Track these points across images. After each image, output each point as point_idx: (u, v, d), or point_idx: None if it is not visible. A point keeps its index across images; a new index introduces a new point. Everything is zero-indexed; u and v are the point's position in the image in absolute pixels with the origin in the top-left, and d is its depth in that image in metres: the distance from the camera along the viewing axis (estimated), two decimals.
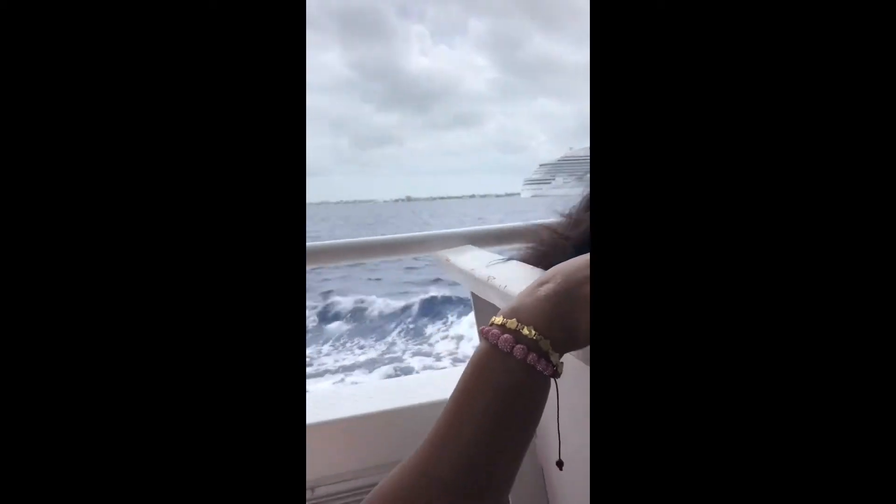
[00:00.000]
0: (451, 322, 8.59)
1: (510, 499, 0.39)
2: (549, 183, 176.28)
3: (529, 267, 0.60)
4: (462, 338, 7.73)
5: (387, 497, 0.37)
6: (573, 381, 0.43)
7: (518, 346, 0.37)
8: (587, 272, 0.39)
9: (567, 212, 0.60)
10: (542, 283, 0.40)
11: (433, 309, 9.15)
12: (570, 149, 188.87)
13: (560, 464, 0.43)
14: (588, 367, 0.37)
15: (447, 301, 9.22)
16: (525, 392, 0.38)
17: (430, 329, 8.55)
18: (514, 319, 0.38)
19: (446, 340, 8.02)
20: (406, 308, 9.26)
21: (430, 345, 8.02)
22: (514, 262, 0.64)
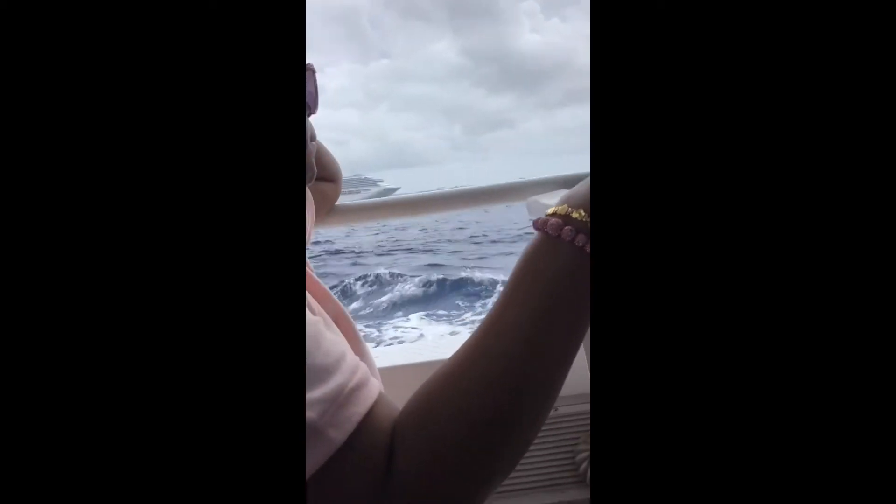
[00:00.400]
0: None
1: None
2: None
3: None
4: None
5: (450, 375, 0.38)
6: None
7: (566, 227, 0.37)
8: None
9: None
10: None
11: None
12: None
13: None
14: None
15: None
16: (575, 273, 0.37)
17: None
18: (566, 206, 0.39)
19: None
20: None
21: None
22: None
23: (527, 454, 0.38)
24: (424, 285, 11.18)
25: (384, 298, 10.91)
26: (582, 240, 0.37)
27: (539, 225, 0.39)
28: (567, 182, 0.89)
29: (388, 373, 0.93)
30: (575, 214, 0.38)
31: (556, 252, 0.38)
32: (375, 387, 0.40)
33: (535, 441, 0.39)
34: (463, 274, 11.88)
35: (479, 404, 0.36)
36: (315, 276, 0.56)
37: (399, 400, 0.41)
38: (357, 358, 0.41)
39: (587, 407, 0.98)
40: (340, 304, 0.57)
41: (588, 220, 0.37)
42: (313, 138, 0.53)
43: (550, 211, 0.39)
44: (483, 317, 0.40)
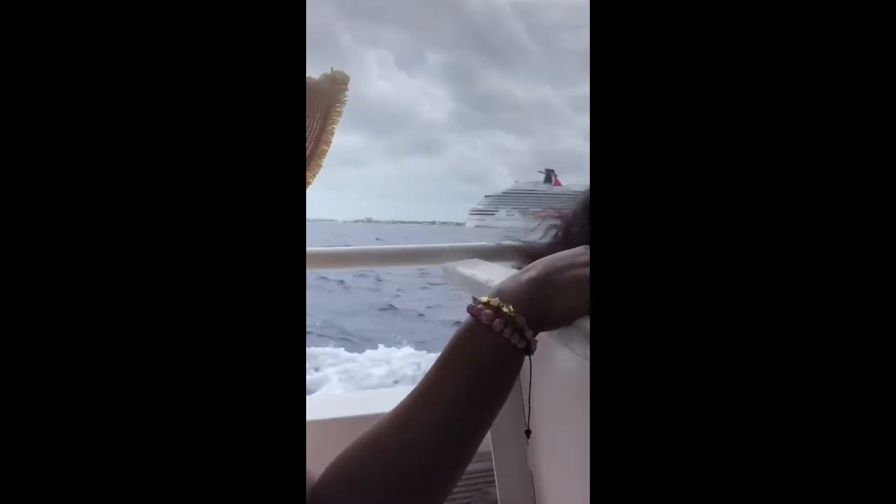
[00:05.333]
0: None
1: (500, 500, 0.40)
2: (492, 214, 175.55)
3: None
4: None
5: (375, 441, 0.41)
6: (543, 357, 0.46)
7: (497, 319, 0.42)
8: (567, 261, 0.45)
9: (555, 238, 0.65)
10: (526, 270, 0.46)
11: None
12: (516, 182, 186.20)
13: (528, 432, 0.49)
14: (562, 347, 0.44)
15: None
16: (500, 363, 0.42)
17: None
18: (497, 298, 0.43)
19: None
20: None
21: None
22: (514, 270, 0.66)
23: None
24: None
25: None
26: (509, 332, 0.41)
27: (474, 312, 0.43)
28: (481, 252, 0.93)
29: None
30: (505, 309, 0.42)
31: (486, 340, 0.42)
32: None
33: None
34: None
35: (399, 472, 0.40)
36: None
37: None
38: None
39: (479, 465, 1.01)
40: None
41: (515, 314, 0.42)
42: None
43: (484, 300, 0.44)
44: None
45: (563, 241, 0.63)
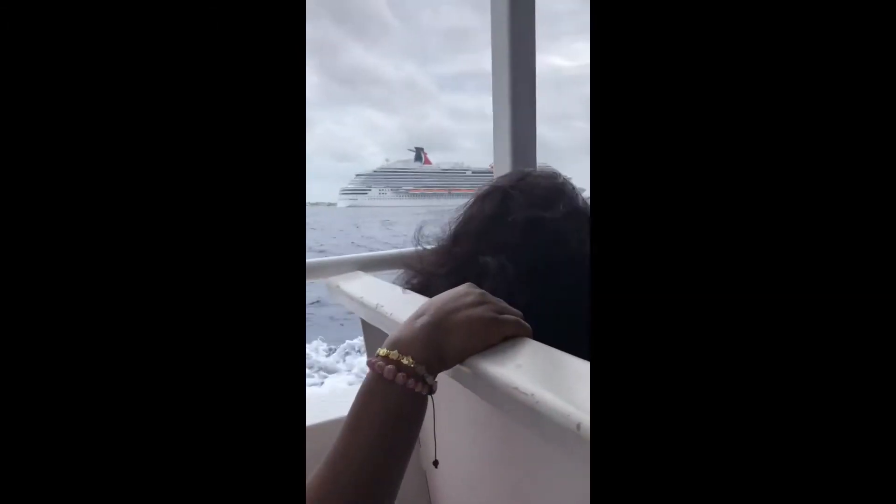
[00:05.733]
0: None
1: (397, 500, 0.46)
2: (364, 193, 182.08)
3: (411, 294, 0.68)
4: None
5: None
6: (445, 394, 0.50)
7: (399, 374, 0.45)
8: (455, 303, 0.50)
9: (439, 243, 0.68)
10: (418, 316, 0.49)
11: None
12: (387, 160, 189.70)
13: (436, 463, 0.52)
14: (454, 382, 0.48)
15: None
16: (407, 411, 0.46)
17: None
18: (396, 351, 0.46)
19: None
20: None
21: None
22: (399, 289, 0.71)
23: None
24: None
25: None
26: (412, 383, 0.45)
27: (376, 369, 0.46)
28: (363, 264, 0.91)
29: None
30: (405, 360, 0.46)
31: (391, 393, 0.45)
32: None
33: None
34: None
35: None
36: None
37: None
38: None
39: None
40: None
41: (415, 364, 0.45)
42: None
43: (382, 353, 0.47)
44: None
45: (449, 254, 0.67)
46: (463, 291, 0.52)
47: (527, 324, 0.52)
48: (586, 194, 0.67)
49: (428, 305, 0.51)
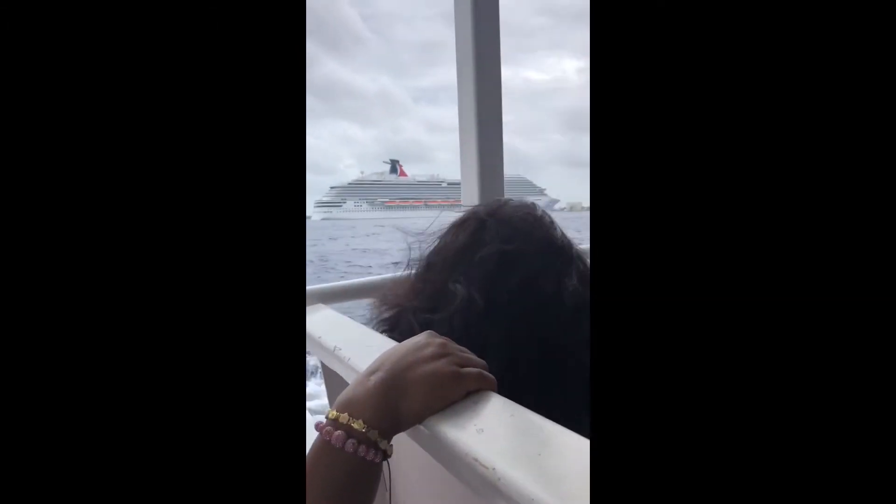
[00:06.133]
0: None
1: None
2: (339, 206, 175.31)
3: (374, 336, 0.63)
4: None
5: None
6: (404, 451, 0.46)
7: (349, 440, 0.41)
8: (413, 356, 0.46)
9: (411, 273, 0.66)
10: (372, 372, 0.46)
11: None
12: (362, 172, 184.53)
13: None
14: (415, 443, 0.44)
15: None
16: (358, 480, 0.42)
17: None
18: (346, 414, 0.43)
19: None
20: None
21: None
22: (363, 329, 0.67)
23: None
24: None
25: None
26: (363, 450, 0.41)
27: (324, 434, 0.42)
28: (324, 295, 0.87)
29: None
30: (356, 425, 0.42)
31: (339, 462, 0.41)
32: None
33: None
34: None
35: None
36: None
37: None
38: None
39: None
40: None
41: (367, 429, 0.42)
42: None
43: (332, 416, 0.43)
44: None
45: (422, 281, 0.64)
46: (422, 342, 0.49)
47: (491, 376, 0.49)
48: (564, 215, 0.65)
49: (384, 359, 0.48)
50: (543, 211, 0.68)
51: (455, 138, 1.07)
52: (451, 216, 0.70)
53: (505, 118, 1.14)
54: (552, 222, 0.66)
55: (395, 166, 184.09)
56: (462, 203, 1.02)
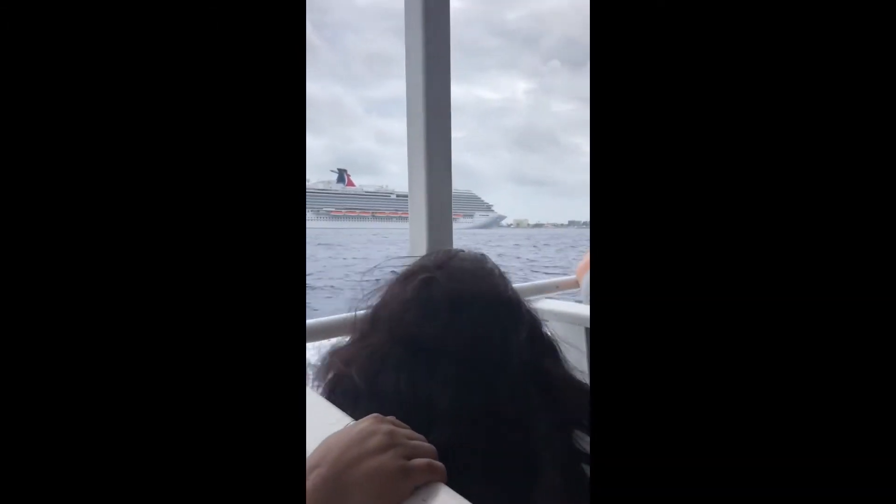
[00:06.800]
0: None
1: None
2: None
3: (320, 404, 0.57)
4: None
5: None
6: None
7: None
8: (357, 450, 0.43)
9: (357, 328, 0.63)
10: (312, 468, 0.42)
11: None
12: (307, 181, 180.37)
13: None
14: None
15: None
16: None
17: None
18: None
19: None
20: None
21: None
22: (310, 395, 0.60)
23: None
24: None
25: None
26: None
27: None
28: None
29: None
30: None
31: None
32: None
33: None
34: None
35: None
36: None
37: None
38: None
39: None
40: None
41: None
42: None
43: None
44: None
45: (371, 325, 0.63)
46: (367, 432, 0.46)
47: (440, 465, 0.46)
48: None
49: (325, 451, 0.44)
50: (494, 264, 0.68)
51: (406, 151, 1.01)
52: (400, 260, 0.70)
53: (456, 134, 1.14)
54: (503, 275, 0.66)
55: (342, 175, 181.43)
56: (409, 215, 1.05)
